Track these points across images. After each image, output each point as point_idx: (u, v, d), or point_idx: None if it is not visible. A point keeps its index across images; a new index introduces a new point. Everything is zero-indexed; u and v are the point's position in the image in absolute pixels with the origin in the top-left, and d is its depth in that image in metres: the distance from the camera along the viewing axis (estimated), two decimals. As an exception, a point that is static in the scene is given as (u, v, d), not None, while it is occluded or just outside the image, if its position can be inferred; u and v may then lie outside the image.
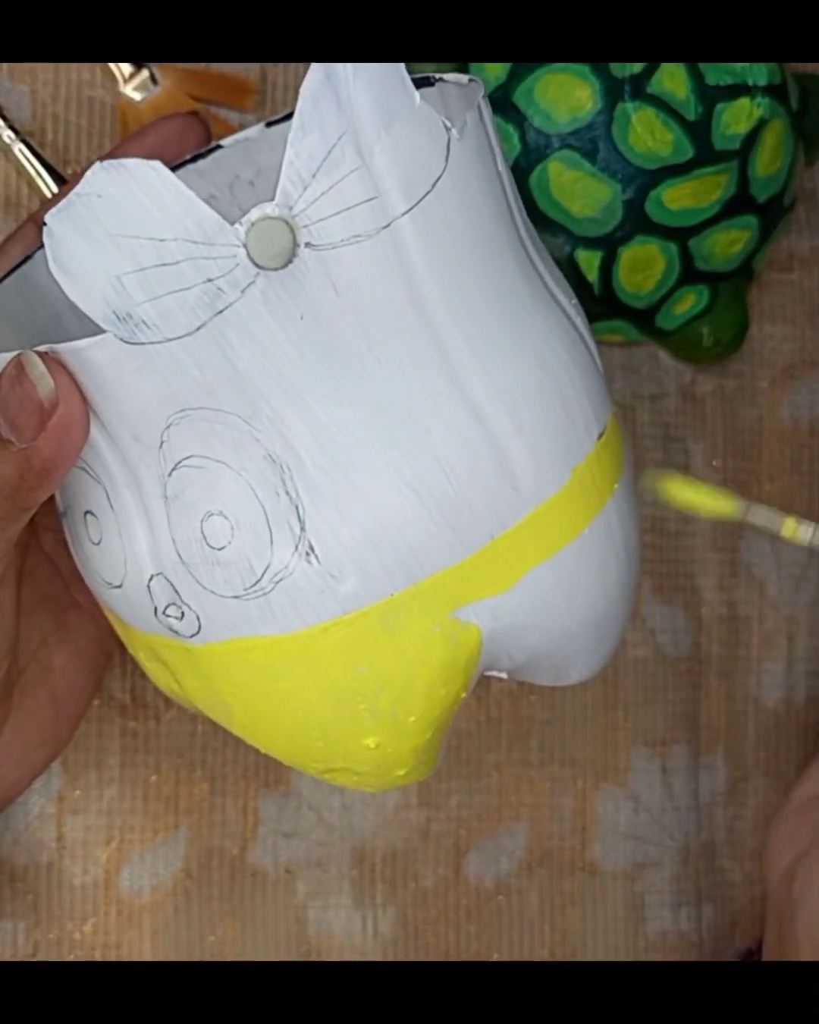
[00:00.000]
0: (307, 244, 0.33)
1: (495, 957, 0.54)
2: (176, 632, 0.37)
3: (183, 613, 0.37)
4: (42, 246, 0.33)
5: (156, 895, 0.51)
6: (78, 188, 0.32)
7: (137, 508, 0.36)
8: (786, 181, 0.53)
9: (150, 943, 0.50)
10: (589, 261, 0.51)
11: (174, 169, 0.33)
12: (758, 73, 0.50)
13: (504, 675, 0.41)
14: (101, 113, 0.50)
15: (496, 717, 0.53)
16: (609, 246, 0.51)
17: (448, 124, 0.34)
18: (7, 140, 0.48)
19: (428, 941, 0.53)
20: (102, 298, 0.33)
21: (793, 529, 0.36)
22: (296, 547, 0.35)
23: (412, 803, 0.53)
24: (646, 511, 0.55)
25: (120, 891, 0.50)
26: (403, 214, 0.33)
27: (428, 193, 0.33)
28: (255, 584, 0.36)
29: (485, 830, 0.54)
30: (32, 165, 0.49)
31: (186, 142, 0.42)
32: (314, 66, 0.32)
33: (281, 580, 0.36)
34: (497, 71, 0.50)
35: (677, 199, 0.50)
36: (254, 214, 0.32)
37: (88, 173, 0.32)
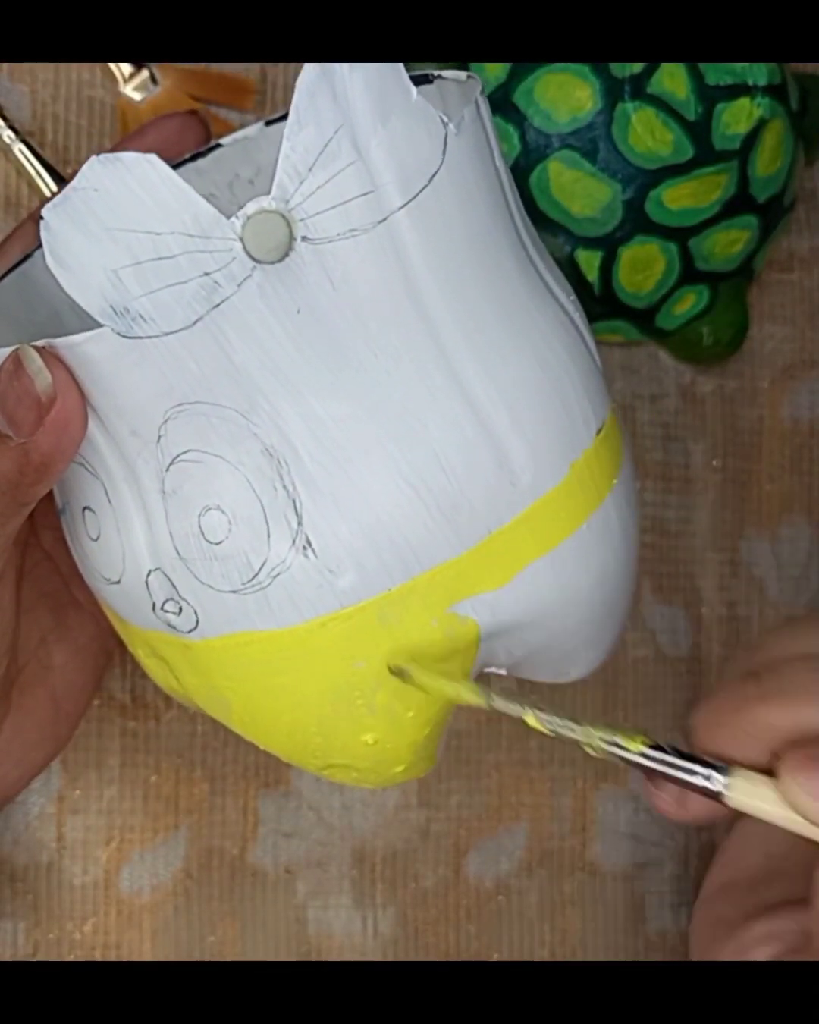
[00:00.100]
0: (303, 238, 0.33)
1: (495, 957, 0.54)
2: (174, 628, 0.37)
3: (181, 608, 0.37)
4: (42, 245, 0.33)
5: (156, 895, 0.50)
6: (74, 182, 0.32)
7: (135, 503, 0.36)
8: (786, 181, 0.53)
9: (150, 943, 0.50)
10: (589, 261, 0.51)
11: (174, 168, 0.33)
12: (758, 73, 0.50)
13: (503, 671, 0.41)
14: (101, 113, 0.50)
15: (496, 717, 0.53)
16: (609, 246, 0.51)
17: (445, 119, 0.34)
18: (7, 140, 0.49)
19: (428, 941, 0.53)
20: (99, 292, 0.33)
21: (534, 721, 0.36)
22: (293, 541, 0.35)
23: (412, 803, 0.53)
24: (646, 511, 0.55)
25: (120, 891, 0.50)
26: (400, 208, 0.33)
27: (425, 187, 0.33)
28: (252, 578, 0.36)
29: (485, 830, 0.54)
30: (32, 165, 0.49)
31: (185, 141, 0.43)
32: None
33: (278, 575, 0.36)
34: (497, 71, 0.50)
35: (677, 199, 0.50)
36: (250, 207, 0.32)
37: (84, 167, 0.32)
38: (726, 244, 0.52)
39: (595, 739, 0.35)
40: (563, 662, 0.41)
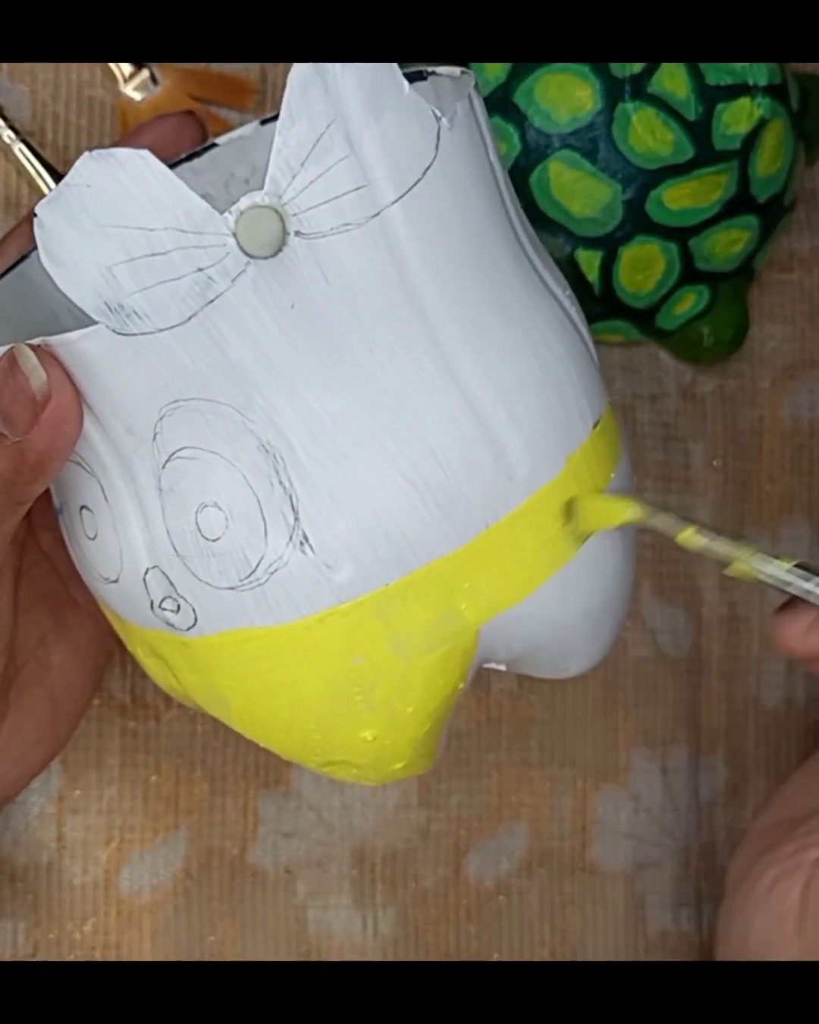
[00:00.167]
0: (297, 233, 0.33)
1: (495, 957, 0.53)
2: (172, 626, 0.37)
3: (179, 606, 0.37)
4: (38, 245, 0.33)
5: (156, 895, 0.50)
6: (67, 178, 0.32)
7: (132, 501, 0.36)
8: (786, 181, 0.53)
9: (150, 943, 0.50)
10: (589, 261, 0.51)
11: (170, 168, 0.33)
12: (758, 73, 0.50)
13: (503, 667, 0.41)
14: (101, 113, 0.50)
15: (496, 717, 0.53)
16: (609, 246, 0.51)
17: (438, 113, 0.34)
18: (7, 140, 0.49)
19: (428, 941, 0.53)
20: (93, 289, 0.33)
21: (690, 536, 0.37)
22: (290, 537, 0.35)
23: (412, 803, 0.53)
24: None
25: (120, 891, 0.50)
26: (393, 202, 0.33)
27: (418, 182, 0.33)
28: (250, 575, 0.36)
29: (485, 830, 0.54)
30: (32, 165, 0.49)
31: (182, 141, 0.42)
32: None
33: (276, 571, 0.35)
34: (497, 71, 0.50)
35: (677, 199, 0.50)
36: (243, 202, 0.32)
37: (78, 163, 0.32)
38: (726, 244, 0.52)
39: (749, 556, 0.37)
40: (562, 658, 0.41)
